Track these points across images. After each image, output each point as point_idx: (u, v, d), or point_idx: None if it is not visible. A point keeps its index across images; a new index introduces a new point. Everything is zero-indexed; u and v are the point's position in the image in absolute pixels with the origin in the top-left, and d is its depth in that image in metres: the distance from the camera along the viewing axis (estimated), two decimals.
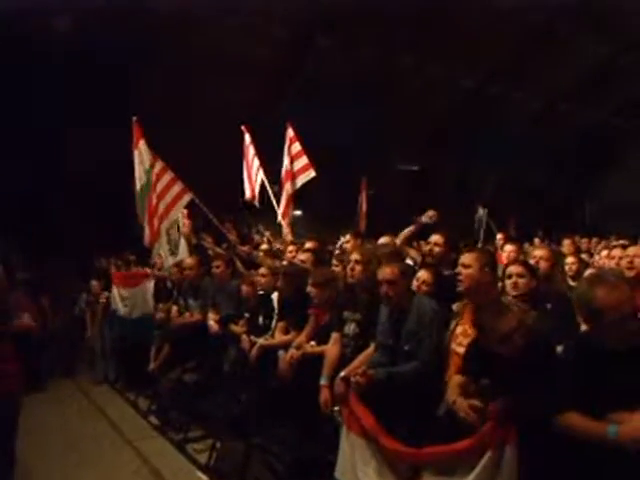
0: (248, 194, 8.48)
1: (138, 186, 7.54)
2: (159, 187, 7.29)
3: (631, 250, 4.21)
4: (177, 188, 7.24)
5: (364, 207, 10.44)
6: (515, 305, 3.40)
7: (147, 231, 7.57)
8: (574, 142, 15.44)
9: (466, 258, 3.54)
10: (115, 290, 8.43)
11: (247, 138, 8.46)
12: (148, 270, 8.43)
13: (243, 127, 8.48)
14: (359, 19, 11.36)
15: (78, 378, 9.30)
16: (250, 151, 8.40)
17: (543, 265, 4.44)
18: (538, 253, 4.67)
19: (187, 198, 7.28)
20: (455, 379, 3.25)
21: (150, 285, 7.96)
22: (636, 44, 12.93)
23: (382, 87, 12.97)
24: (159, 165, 7.37)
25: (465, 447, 3.00)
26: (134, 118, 7.62)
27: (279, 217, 8.08)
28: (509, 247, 6.60)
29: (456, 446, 3.05)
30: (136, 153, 7.53)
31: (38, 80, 9.90)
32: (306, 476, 4.38)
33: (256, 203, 8.39)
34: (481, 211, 10.58)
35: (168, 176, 7.30)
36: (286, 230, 8.02)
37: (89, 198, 11.19)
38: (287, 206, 8.09)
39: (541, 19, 12.31)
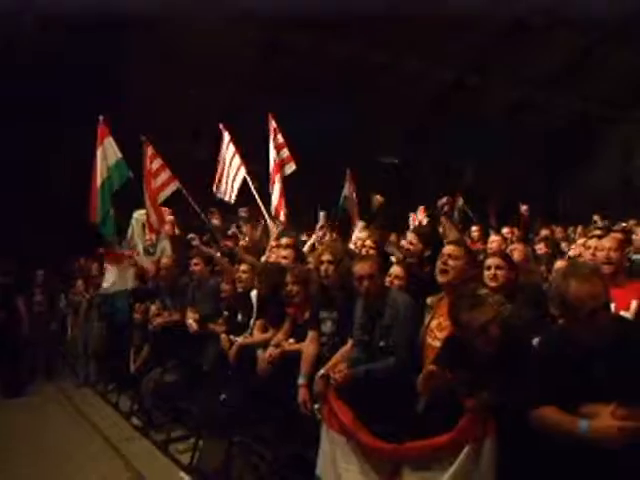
0: (221, 194, 8.25)
1: (99, 182, 7.49)
2: (154, 168, 7.48)
3: (606, 242, 4.17)
4: (165, 175, 7.33)
5: (354, 199, 10.16)
6: (491, 297, 3.41)
7: (153, 217, 7.50)
8: (551, 133, 15.56)
9: (455, 251, 3.59)
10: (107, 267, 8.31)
11: (226, 136, 8.24)
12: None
13: (221, 125, 8.29)
14: (333, 17, 11.33)
15: (59, 381, 9.22)
16: (230, 149, 8.17)
17: (517, 257, 4.45)
18: (513, 246, 4.70)
19: (173, 186, 7.35)
20: (428, 368, 3.26)
21: (131, 268, 7.87)
22: (610, 36, 13.05)
23: (360, 82, 12.95)
24: (150, 150, 7.51)
25: (444, 442, 3.02)
26: (101, 117, 7.58)
27: (272, 212, 7.91)
28: (494, 237, 6.69)
29: (435, 441, 3.07)
30: (99, 150, 7.50)
31: None
32: (288, 474, 4.38)
33: (227, 199, 8.18)
34: (460, 200, 10.67)
35: (158, 162, 7.41)
36: (271, 225, 7.93)
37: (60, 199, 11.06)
38: (281, 199, 7.90)
39: (516, 12, 12.41)
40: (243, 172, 7.97)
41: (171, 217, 8.28)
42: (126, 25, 9.89)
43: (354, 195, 10.13)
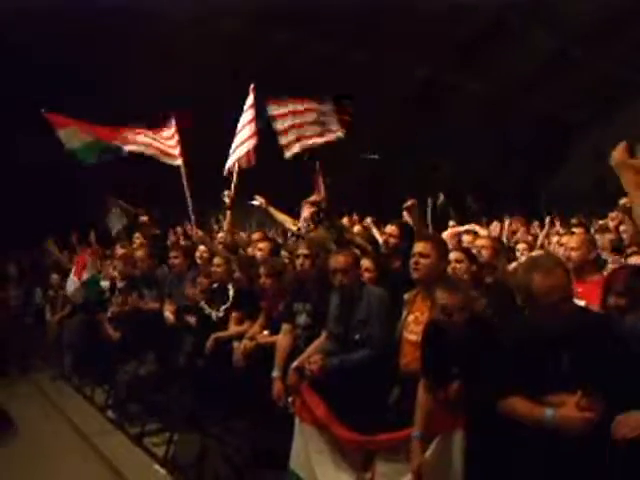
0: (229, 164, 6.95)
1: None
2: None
3: (569, 241, 4.23)
4: (176, 149, 7.18)
5: (322, 192, 10.10)
6: (471, 290, 3.46)
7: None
8: (528, 132, 15.73)
9: (424, 248, 3.59)
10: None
11: (250, 99, 6.89)
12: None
13: (252, 86, 6.95)
14: (313, 14, 11.34)
15: (33, 375, 9.10)
16: (249, 113, 6.82)
17: (485, 254, 4.47)
18: (480, 243, 4.70)
19: (177, 161, 7.15)
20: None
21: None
22: (586, 36, 13.21)
23: (337, 79, 12.98)
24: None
25: None
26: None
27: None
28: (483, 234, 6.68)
29: (407, 432, 3.11)
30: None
31: None
32: (263, 467, 4.39)
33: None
34: (441, 196, 10.78)
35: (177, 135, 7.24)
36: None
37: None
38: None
39: (494, 11, 12.53)
40: (247, 145, 6.72)
41: (145, 217, 8.21)
42: (95, 18, 9.80)
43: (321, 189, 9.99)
